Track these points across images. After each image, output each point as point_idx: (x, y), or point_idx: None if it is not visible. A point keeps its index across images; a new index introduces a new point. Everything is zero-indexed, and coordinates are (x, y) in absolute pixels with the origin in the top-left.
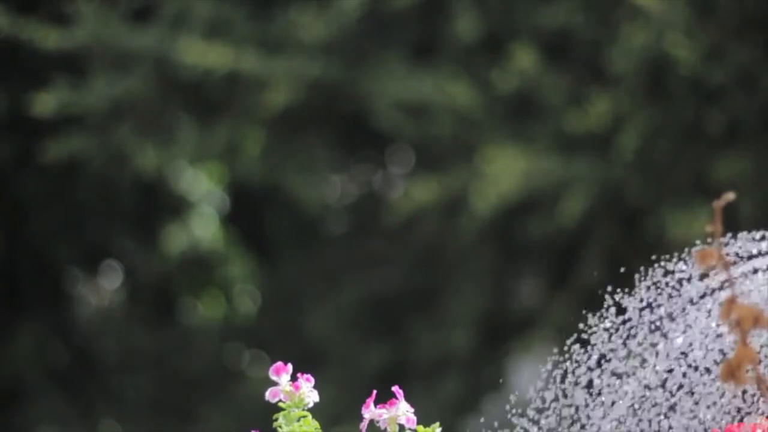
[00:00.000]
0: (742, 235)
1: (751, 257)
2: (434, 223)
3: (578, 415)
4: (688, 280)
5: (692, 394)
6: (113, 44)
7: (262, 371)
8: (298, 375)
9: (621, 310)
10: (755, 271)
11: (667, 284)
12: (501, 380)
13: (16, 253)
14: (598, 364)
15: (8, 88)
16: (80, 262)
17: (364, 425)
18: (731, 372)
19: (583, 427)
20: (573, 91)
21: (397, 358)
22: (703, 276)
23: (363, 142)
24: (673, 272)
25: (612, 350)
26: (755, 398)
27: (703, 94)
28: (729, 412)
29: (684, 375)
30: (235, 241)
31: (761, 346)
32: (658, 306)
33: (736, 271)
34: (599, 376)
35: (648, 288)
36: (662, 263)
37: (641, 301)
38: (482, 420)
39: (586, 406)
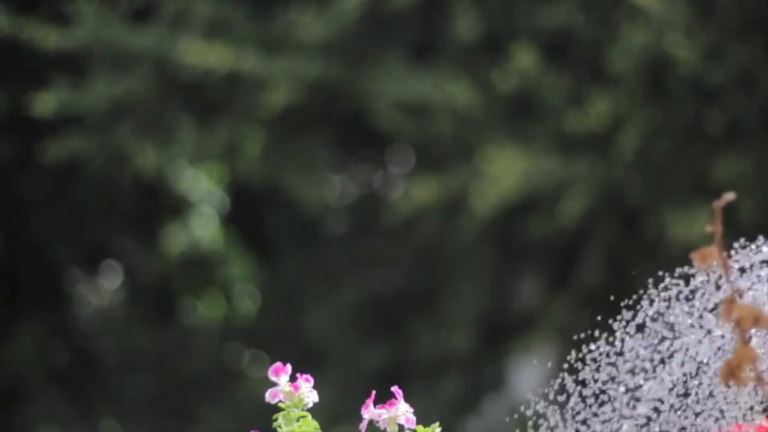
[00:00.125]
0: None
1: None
2: (434, 223)
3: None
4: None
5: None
6: (113, 44)
7: (262, 371)
8: (298, 375)
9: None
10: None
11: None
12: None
13: (16, 253)
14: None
15: (8, 88)
16: (80, 262)
17: (363, 425)
18: (731, 372)
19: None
20: (573, 91)
21: (397, 358)
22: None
23: (363, 142)
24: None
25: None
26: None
27: (703, 94)
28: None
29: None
30: (235, 241)
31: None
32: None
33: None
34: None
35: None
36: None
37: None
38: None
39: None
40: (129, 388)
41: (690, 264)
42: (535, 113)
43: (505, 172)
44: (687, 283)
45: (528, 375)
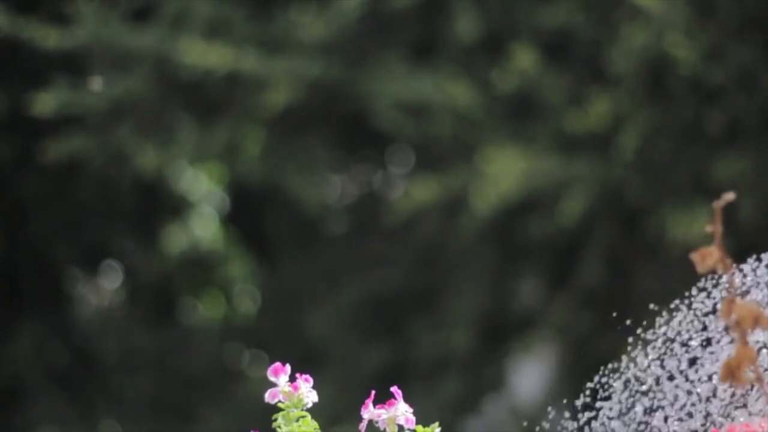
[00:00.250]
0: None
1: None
2: (434, 223)
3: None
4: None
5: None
6: (113, 44)
7: (262, 371)
8: (297, 375)
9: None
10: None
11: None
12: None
13: (16, 253)
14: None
15: (8, 88)
16: (80, 262)
17: (363, 425)
18: (731, 372)
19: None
20: (573, 91)
21: (397, 358)
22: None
23: (363, 142)
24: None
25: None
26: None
27: (703, 94)
28: None
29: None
30: (235, 241)
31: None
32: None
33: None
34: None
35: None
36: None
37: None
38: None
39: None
40: (129, 388)
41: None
42: (535, 113)
43: (505, 172)
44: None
45: (528, 375)
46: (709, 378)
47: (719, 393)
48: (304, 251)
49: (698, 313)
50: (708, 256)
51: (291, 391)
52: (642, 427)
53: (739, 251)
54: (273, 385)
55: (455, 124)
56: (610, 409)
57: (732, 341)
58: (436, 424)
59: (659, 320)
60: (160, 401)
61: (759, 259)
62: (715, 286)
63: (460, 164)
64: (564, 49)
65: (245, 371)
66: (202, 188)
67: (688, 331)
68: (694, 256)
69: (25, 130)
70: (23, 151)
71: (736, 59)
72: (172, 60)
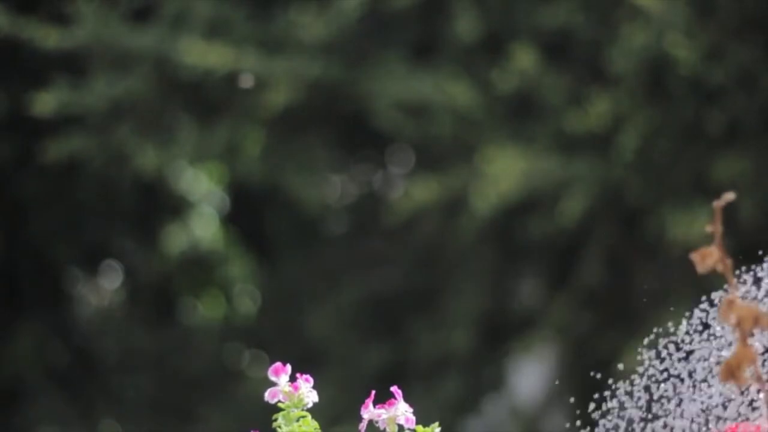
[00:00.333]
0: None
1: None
2: (434, 223)
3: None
4: None
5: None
6: (113, 44)
7: (262, 371)
8: (297, 375)
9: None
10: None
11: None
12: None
13: (16, 253)
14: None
15: (8, 88)
16: (80, 262)
17: (363, 425)
18: (731, 372)
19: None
20: (573, 91)
21: (397, 358)
22: None
23: (363, 142)
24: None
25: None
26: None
27: (703, 94)
28: None
29: None
30: (235, 241)
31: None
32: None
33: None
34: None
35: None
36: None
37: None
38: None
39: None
40: (129, 388)
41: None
42: (535, 113)
43: (505, 172)
44: None
45: (528, 375)
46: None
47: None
48: (304, 251)
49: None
50: (708, 256)
51: (291, 391)
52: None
53: (739, 251)
54: (273, 384)
55: (455, 124)
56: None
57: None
58: (436, 424)
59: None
60: (160, 401)
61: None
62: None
63: (460, 164)
64: (564, 49)
65: (245, 371)
66: (202, 188)
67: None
68: (694, 256)
69: (25, 130)
70: (23, 151)
71: (736, 59)
72: (172, 60)
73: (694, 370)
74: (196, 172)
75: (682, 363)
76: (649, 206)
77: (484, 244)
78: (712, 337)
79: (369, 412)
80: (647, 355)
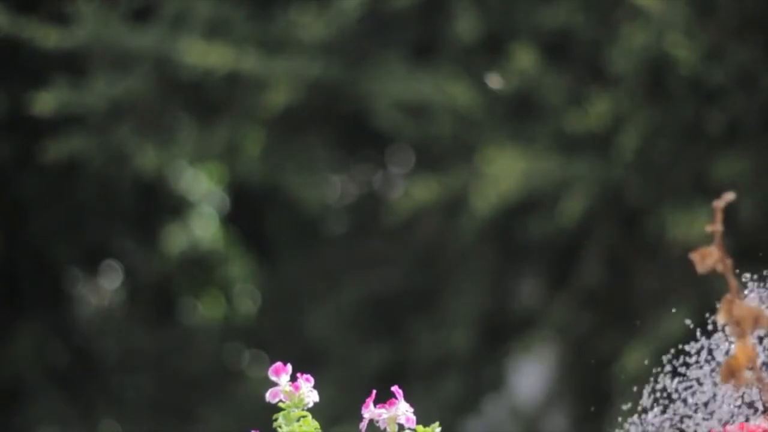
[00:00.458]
0: None
1: None
2: (434, 223)
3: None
4: None
5: None
6: (113, 44)
7: (262, 371)
8: (298, 375)
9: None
10: None
11: None
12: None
13: (16, 253)
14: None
15: (8, 88)
16: (80, 262)
17: (363, 425)
18: (731, 372)
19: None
20: (573, 91)
21: (397, 358)
22: None
23: (363, 142)
24: None
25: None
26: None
27: (703, 94)
28: None
29: None
30: (235, 241)
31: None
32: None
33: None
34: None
35: None
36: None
37: None
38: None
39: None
40: (129, 388)
41: (690, 264)
42: (535, 113)
43: (505, 172)
44: None
45: (528, 375)
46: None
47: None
48: (304, 251)
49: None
50: (708, 256)
51: (292, 391)
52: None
53: (739, 251)
54: (274, 384)
55: (455, 124)
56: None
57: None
58: (437, 424)
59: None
60: (160, 401)
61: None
62: None
63: (460, 164)
64: (564, 49)
65: (245, 371)
66: (202, 188)
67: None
68: (694, 256)
69: (25, 130)
70: (23, 151)
71: (736, 59)
72: (172, 60)
73: None
74: (196, 172)
75: None
76: (649, 206)
77: (484, 244)
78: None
79: (370, 411)
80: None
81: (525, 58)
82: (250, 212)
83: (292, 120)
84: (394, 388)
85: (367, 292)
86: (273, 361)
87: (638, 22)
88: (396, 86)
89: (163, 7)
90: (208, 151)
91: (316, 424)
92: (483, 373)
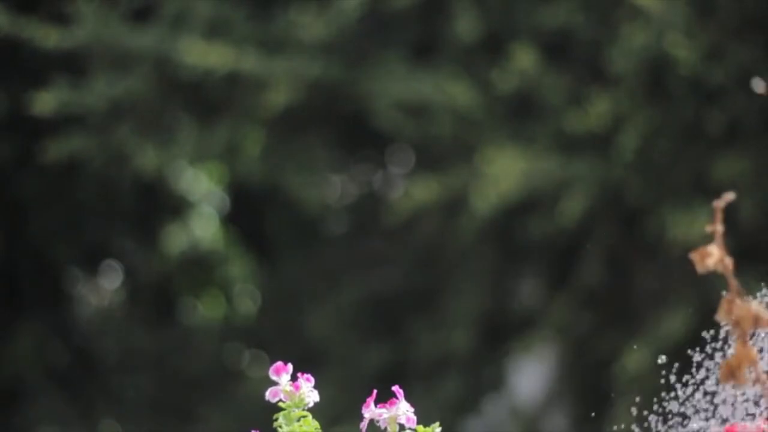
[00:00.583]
0: None
1: None
2: (434, 223)
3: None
4: None
5: None
6: (113, 44)
7: (262, 371)
8: (298, 375)
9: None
10: None
11: None
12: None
13: (16, 253)
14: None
15: (8, 88)
16: (80, 262)
17: (364, 425)
18: (731, 372)
19: None
20: (573, 91)
21: (397, 358)
22: None
23: (363, 142)
24: None
25: None
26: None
27: (703, 94)
28: None
29: None
30: (235, 241)
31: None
32: None
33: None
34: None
35: None
36: None
37: None
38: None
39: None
40: (129, 388)
41: (690, 264)
42: (535, 113)
43: (505, 172)
44: None
45: (528, 375)
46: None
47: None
48: (304, 251)
49: None
50: (708, 256)
51: (292, 391)
52: None
53: (739, 251)
54: (274, 384)
55: (455, 124)
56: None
57: None
58: (437, 424)
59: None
60: (160, 401)
61: None
62: None
63: (460, 164)
64: (564, 49)
65: (245, 371)
66: (202, 188)
67: None
68: (694, 256)
69: (25, 130)
70: (23, 151)
71: (736, 59)
72: (172, 60)
73: None
74: (196, 172)
75: None
76: (649, 206)
77: (484, 244)
78: None
79: (370, 411)
80: None
81: (525, 58)
82: (250, 212)
83: (292, 120)
84: (395, 388)
85: (367, 292)
86: (273, 361)
87: (638, 22)
88: (396, 86)
89: (163, 7)
90: (208, 151)
91: (316, 424)
92: (483, 373)
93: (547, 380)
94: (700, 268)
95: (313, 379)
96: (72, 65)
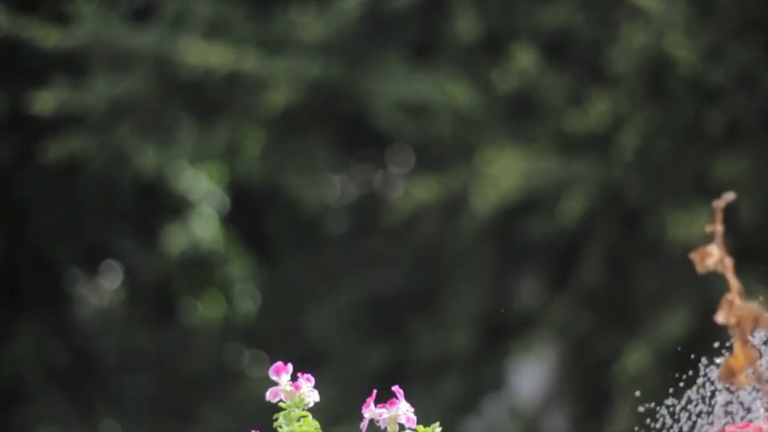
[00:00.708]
0: None
1: None
2: (434, 223)
3: None
4: None
5: None
6: (113, 44)
7: (262, 371)
8: (298, 375)
9: None
10: None
11: None
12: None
13: (16, 253)
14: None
15: (8, 88)
16: (80, 262)
17: (364, 425)
18: (731, 372)
19: None
20: (573, 91)
21: (397, 358)
22: None
23: (363, 142)
24: None
25: None
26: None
27: (703, 94)
28: None
29: None
30: (235, 241)
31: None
32: None
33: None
34: None
35: None
36: None
37: None
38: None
39: None
40: (129, 388)
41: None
42: (535, 113)
43: (505, 172)
44: None
45: (528, 375)
46: None
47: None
48: (304, 251)
49: None
50: (708, 256)
51: (293, 391)
52: None
53: (739, 251)
54: (274, 384)
55: (455, 124)
56: None
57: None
58: (437, 423)
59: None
60: (160, 401)
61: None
62: None
63: (460, 164)
64: (564, 49)
65: (245, 371)
66: (202, 188)
67: None
68: (694, 256)
69: (25, 130)
70: (23, 151)
71: (736, 59)
72: (172, 60)
73: None
74: (196, 172)
75: None
76: (649, 206)
77: (484, 244)
78: None
79: (370, 411)
80: None
81: (525, 58)
82: (250, 212)
83: (292, 120)
84: (395, 388)
85: (367, 292)
86: (273, 361)
87: (638, 22)
88: (396, 86)
89: (163, 7)
90: (208, 151)
91: (316, 424)
92: (483, 373)
93: (547, 380)
94: (700, 268)
95: (313, 379)
96: (72, 65)
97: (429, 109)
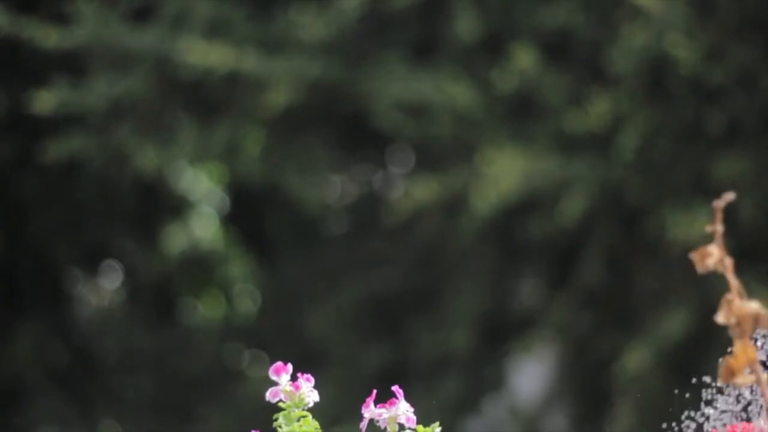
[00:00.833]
0: None
1: None
2: (434, 223)
3: None
4: None
5: None
6: (113, 44)
7: (262, 371)
8: (298, 375)
9: None
10: None
11: None
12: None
13: (16, 253)
14: None
15: (8, 88)
16: (80, 262)
17: (364, 425)
18: (731, 372)
19: None
20: (573, 91)
21: (397, 358)
22: None
23: (363, 142)
24: None
25: None
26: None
27: (703, 94)
28: None
29: None
30: (235, 241)
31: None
32: None
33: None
34: None
35: None
36: None
37: None
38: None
39: None
40: (129, 388)
41: (690, 264)
42: (535, 113)
43: (505, 172)
44: None
45: (528, 375)
46: None
47: None
48: (304, 251)
49: None
50: (708, 256)
51: (292, 391)
52: None
53: (739, 251)
54: (274, 384)
55: (455, 124)
56: None
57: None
58: (437, 423)
59: None
60: (160, 401)
61: None
62: None
63: (460, 164)
64: (564, 49)
65: (245, 371)
66: (202, 188)
67: None
68: (694, 256)
69: (25, 130)
70: (23, 151)
71: (736, 59)
72: (172, 60)
73: None
74: (196, 172)
75: None
76: (649, 206)
77: (484, 244)
78: None
79: (370, 411)
80: None
81: (525, 58)
82: (250, 212)
83: (292, 120)
84: (395, 388)
85: (367, 292)
86: (273, 361)
87: (638, 22)
88: (396, 86)
89: (163, 7)
90: (208, 151)
91: (316, 424)
92: (483, 373)
93: (547, 380)
94: (700, 268)
95: (313, 379)
96: (72, 65)
97: (429, 109)
